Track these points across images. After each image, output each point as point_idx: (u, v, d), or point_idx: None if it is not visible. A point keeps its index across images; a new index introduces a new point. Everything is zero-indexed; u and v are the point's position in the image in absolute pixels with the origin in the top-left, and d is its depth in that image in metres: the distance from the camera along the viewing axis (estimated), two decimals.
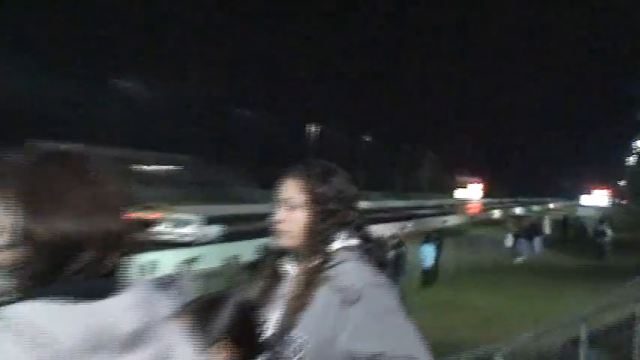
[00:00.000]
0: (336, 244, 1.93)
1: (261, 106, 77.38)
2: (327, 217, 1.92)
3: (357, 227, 1.98)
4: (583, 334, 5.43)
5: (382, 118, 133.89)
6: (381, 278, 1.88)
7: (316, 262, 1.89)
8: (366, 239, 1.98)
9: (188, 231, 27.58)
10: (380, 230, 25.17)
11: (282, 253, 2.00)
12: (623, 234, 37.09)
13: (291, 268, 1.99)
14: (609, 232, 34.30)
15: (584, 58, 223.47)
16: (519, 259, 30.87)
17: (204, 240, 26.61)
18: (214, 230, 29.41)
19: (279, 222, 1.94)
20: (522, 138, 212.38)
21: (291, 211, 1.93)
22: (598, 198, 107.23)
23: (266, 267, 2.03)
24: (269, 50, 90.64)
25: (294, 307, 1.87)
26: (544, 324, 5.31)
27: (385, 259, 2.00)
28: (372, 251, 1.96)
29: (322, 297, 1.84)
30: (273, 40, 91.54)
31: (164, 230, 25.80)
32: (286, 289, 1.95)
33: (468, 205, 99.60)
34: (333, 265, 1.89)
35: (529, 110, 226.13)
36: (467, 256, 27.80)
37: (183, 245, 23.45)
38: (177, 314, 1.20)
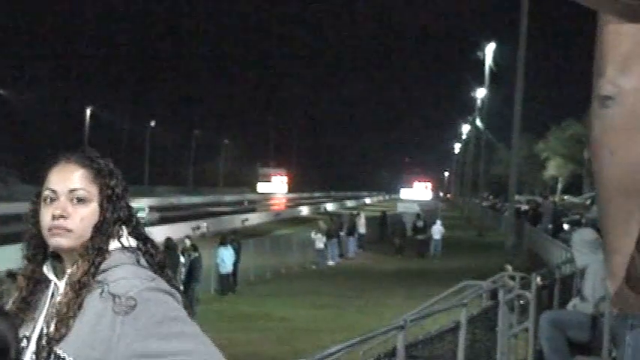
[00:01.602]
0: (112, 245, 1.97)
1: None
2: (114, 213, 1.96)
3: (133, 226, 2.03)
4: (400, 344, 5.57)
5: (166, 101, 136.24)
6: (161, 284, 1.91)
7: (88, 265, 1.92)
8: (144, 239, 2.02)
9: None
10: (168, 232, 24.99)
11: (46, 257, 2.00)
12: (448, 232, 39.24)
13: (55, 275, 1.99)
14: (439, 229, 36.73)
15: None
16: (331, 263, 32.18)
17: None
18: None
19: (62, 218, 1.93)
20: (335, 125, 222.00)
21: (81, 205, 1.94)
22: (419, 192, 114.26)
23: (26, 274, 2.02)
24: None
25: (60, 320, 1.87)
26: (357, 335, 5.35)
27: (165, 263, 2.02)
28: (151, 253, 2.00)
29: (93, 306, 1.86)
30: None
31: None
32: (51, 298, 1.97)
33: (272, 201, 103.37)
34: (108, 269, 1.92)
35: (341, 94, 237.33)
36: (271, 260, 28.52)
37: None
38: None
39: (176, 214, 55.85)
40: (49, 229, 1.94)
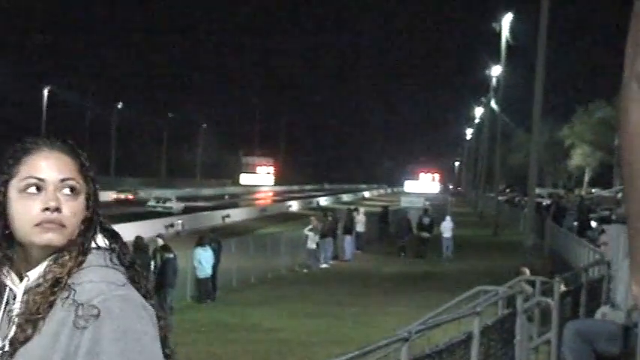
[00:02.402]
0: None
1: None
2: (95, 208, 1.99)
3: (103, 223, 2.05)
4: (404, 359, 5.58)
5: (135, 79, 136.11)
6: (131, 292, 1.93)
7: (72, 264, 1.93)
8: (115, 238, 2.04)
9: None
10: (137, 230, 24.96)
11: (9, 258, 1.98)
12: (459, 230, 39.32)
13: (16, 279, 1.99)
14: (449, 226, 36.79)
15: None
16: (324, 265, 32.25)
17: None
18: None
19: (57, 211, 1.92)
20: (329, 107, 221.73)
21: (71, 198, 1.94)
22: (426, 184, 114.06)
23: None
24: None
25: (27, 320, 1.89)
26: (354, 348, 5.38)
27: (135, 265, 2.03)
28: (120, 255, 2.01)
29: (56, 312, 1.88)
30: None
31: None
32: (5, 306, 1.98)
33: (257, 195, 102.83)
34: (78, 270, 1.93)
35: (336, 71, 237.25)
36: (255, 262, 28.60)
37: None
38: None
39: (147, 210, 56.02)
40: (38, 224, 1.91)
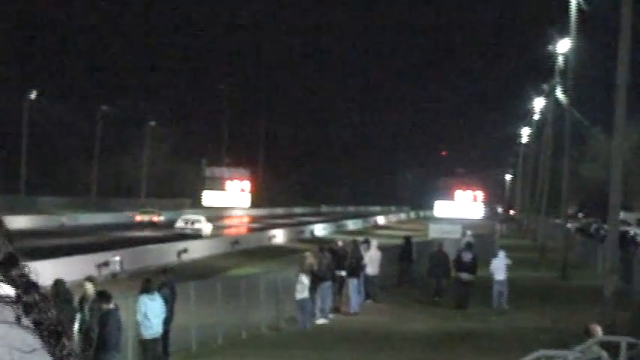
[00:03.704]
0: None
1: None
2: None
3: (7, 265, 2.05)
4: None
5: (56, 62, 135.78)
6: (42, 358, 1.92)
7: None
8: (27, 286, 2.04)
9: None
10: (56, 271, 24.84)
11: None
12: (513, 271, 39.34)
13: None
14: (503, 266, 36.79)
15: None
16: (322, 321, 32.44)
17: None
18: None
19: None
20: (328, 98, 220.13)
21: None
22: (465, 206, 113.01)
23: None
24: None
25: None
26: None
27: (55, 322, 2.03)
28: (34, 307, 2.01)
29: None
30: None
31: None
32: None
33: (227, 221, 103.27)
34: None
35: (336, 48, 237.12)
36: (224, 316, 28.65)
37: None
38: None
39: (71, 242, 55.86)
40: None
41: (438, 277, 38.13)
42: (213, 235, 74.36)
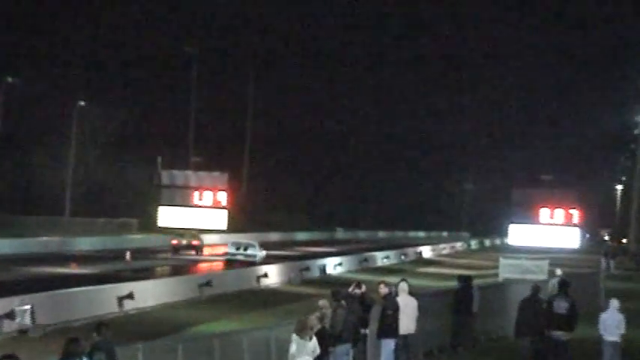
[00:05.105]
0: None
1: None
2: None
3: None
4: None
5: None
6: None
7: None
8: None
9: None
10: None
11: None
12: (633, 329, 39.65)
13: None
14: (616, 321, 36.97)
15: None
16: None
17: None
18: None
19: None
20: (349, 74, 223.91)
21: None
22: (554, 230, 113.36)
23: None
24: None
25: None
26: None
27: None
28: None
29: None
30: None
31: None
32: None
33: (191, 252, 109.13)
34: None
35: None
36: None
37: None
38: None
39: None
40: None
41: (533, 336, 37.71)
42: (174, 272, 79.99)
